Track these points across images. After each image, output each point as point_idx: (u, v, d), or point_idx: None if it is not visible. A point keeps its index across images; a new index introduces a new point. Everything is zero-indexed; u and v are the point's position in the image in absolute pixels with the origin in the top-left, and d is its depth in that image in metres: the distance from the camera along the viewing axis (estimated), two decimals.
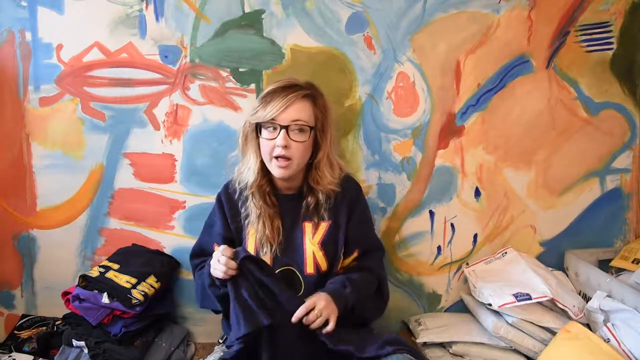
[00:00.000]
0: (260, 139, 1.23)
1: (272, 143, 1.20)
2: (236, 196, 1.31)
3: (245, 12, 1.51)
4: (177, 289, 1.61)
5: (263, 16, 1.52)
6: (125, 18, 1.50)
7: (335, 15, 1.53)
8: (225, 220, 1.31)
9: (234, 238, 1.30)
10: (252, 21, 1.52)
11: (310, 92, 1.24)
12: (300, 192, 1.30)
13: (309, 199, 1.27)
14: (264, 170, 1.26)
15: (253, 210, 1.25)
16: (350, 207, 1.30)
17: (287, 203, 1.29)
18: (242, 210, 1.29)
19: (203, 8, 1.51)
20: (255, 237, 1.25)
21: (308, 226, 1.27)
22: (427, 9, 1.54)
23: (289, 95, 1.19)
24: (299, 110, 1.20)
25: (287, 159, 1.20)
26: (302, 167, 1.26)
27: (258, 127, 1.24)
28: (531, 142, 1.63)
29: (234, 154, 1.34)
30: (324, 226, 1.27)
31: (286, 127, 1.19)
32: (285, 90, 1.21)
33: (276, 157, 1.20)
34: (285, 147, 1.18)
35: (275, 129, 1.20)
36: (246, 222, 1.27)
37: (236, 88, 1.54)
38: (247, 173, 1.26)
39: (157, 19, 1.51)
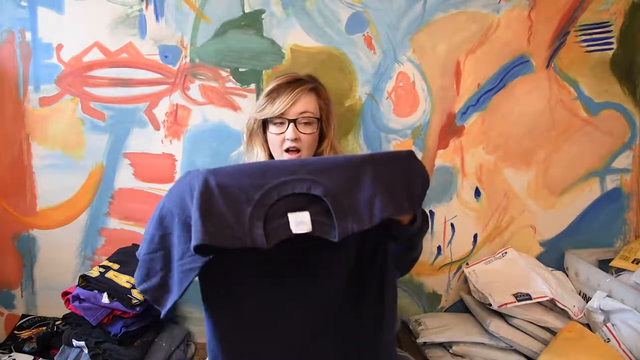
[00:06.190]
0: (269, 134, 1.26)
1: (281, 137, 1.22)
2: None
3: (245, 12, 1.51)
4: None
5: (263, 16, 1.52)
6: (125, 18, 1.50)
7: (335, 15, 1.53)
8: None
9: None
10: (252, 21, 1.52)
11: (314, 85, 1.27)
12: None
13: None
14: None
15: None
16: None
17: None
18: None
19: (203, 8, 1.51)
20: None
21: None
22: (427, 9, 1.54)
23: (296, 89, 1.22)
24: (305, 104, 1.22)
25: (297, 150, 1.23)
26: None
27: (264, 123, 1.27)
28: (531, 142, 1.63)
29: (236, 153, 1.34)
30: None
31: (294, 121, 1.21)
32: (291, 85, 1.23)
33: (286, 150, 1.23)
34: (295, 139, 1.21)
35: (283, 123, 1.22)
36: None
37: (236, 88, 1.54)
38: None
39: (157, 19, 1.51)
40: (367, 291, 0.97)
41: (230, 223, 0.74)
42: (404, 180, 0.83)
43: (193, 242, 0.72)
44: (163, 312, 0.80)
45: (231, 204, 0.74)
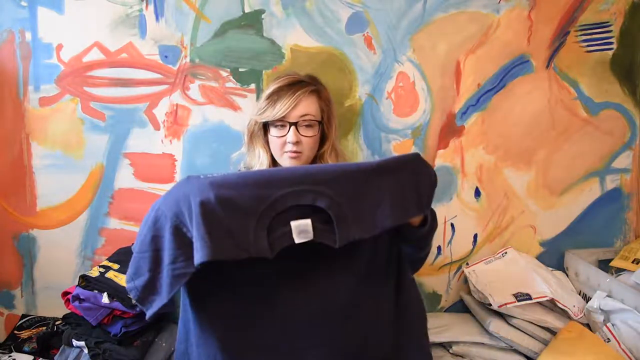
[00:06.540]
0: (270, 137, 1.25)
1: (282, 140, 1.22)
2: None
3: (245, 12, 1.51)
4: None
5: (263, 16, 1.52)
6: (125, 18, 1.50)
7: (335, 15, 1.53)
8: None
9: None
10: (252, 21, 1.52)
11: (315, 87, 1.26)
12: None
13: None
14: (274, 164, 1.29)
15: None
16: None
17: None
18: None
19: (203, 8, 1.51)
20: None
21: None
22: (427, 9, 1.54)
23: (297, 92, 1.21)
24: (306, 106, 1.22)
25: (298, 152, 1.22)
26: (311, 158, 1.28)
27: (265, 125, 1.27)
28: (531, 142, 1.63)
29: (237, 154, 1.34)
30: None
31: (295, 124, 1.21)
32: (292, 87, 1.22)
33: (287, 152, 1.23)
34: (297, 142, 1.21)
35: (284, 126, 1.22)
36: None
37: (236, 88, 1.54)
38: (258, 168, 1.28)
39: (157, 19, 1.51)
40: (379, 297, 0.95)
41: (234, 235, 0.73)
42: (410, 184, 0.83)
43: (197, 260, 0.71)
44: (148, 314, 0.79)
45: (234, 216, 0.74)
